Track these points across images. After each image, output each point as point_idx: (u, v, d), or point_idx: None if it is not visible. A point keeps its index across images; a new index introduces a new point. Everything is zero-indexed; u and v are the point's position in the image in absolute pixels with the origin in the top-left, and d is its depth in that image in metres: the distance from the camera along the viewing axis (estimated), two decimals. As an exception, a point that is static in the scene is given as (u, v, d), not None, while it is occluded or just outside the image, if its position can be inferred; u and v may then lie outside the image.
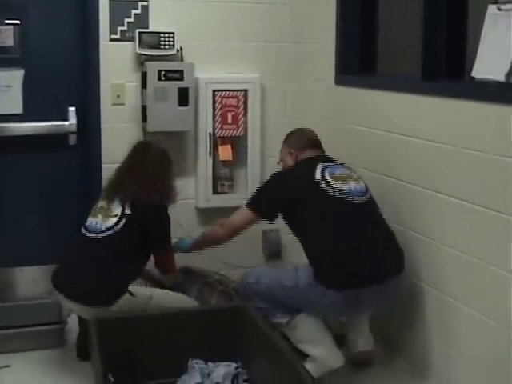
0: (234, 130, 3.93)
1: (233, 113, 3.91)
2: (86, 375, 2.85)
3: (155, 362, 2.80)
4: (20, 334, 3.30)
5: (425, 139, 3.07)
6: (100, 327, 2.70)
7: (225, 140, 3.94)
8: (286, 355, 2.54)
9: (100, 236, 3.05)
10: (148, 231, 3.08)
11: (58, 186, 3.82)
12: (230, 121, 3.91)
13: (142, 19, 3.73)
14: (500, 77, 2.56)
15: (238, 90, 3.91)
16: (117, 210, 3.09)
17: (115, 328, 2.80)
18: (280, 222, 3.21)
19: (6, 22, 3.61)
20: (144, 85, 3.72)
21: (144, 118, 3.75)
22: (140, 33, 3.67)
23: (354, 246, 2.92)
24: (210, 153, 3.90)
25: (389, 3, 3.76)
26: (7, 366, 3.17)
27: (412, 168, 3.19)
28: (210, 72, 3.86)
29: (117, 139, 3.66)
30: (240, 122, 3.94)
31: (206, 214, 3.93)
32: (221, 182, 3.98)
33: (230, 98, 3.90)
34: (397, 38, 3.79)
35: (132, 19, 3.71)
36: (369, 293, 2.89)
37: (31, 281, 3.67)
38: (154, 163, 3.19)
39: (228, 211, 3.39)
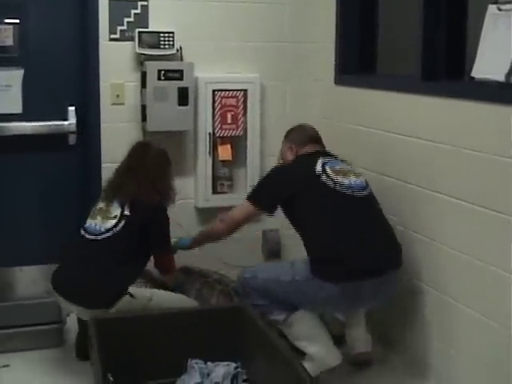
0: (233, 129, 3.93)
1: (232, 113, 3.91)
2: (86, 375, 2.85)
3: (155, 362, 2.80)
4: (19, 334, 3.29)
5: (425, 139, 3.07)
6: (99, 327, 2.70)
7: (224, 140, 3.94)
8: (285, 355, 2.54)
9: (99, 238, 3.05)
10: (148, 232, 3.08)
11: (57, 186, 3.83)
12: (229, 121, 3.91)
13: (142, 19, 3.73)
14: (500, 77, 2.55)
15: (237, 90, 3.91)
16: (116, 211, 3.08)
17: (115, 328, 2.80)
18: (280, 222, 3.21)
19: (6, 21, 3.60)
20: (144, 84, 3.72)
21: (144, 118, 3.75)
22: (140, 32, 3.68)
23: (353, 239, 2.93)
24: (209, 152, 3.90)
25: (389, 3, 3.76)
26: (6, 366, 3.16)
27: (412, 168, 3.19)
28: (209, 72, 3.86)
29: (116, 139, 3.66)
30: (239, 122, 3.94)
31: (206, 214, 3.93)
32: (220, 181, 3.98)
33: (229, 97, 3.90)
34: (397, 38, 3.79)
35: (132, 19, 3.71)
36: (368, 285, 2.89)
37: (30, 280, 3.66)
38: (153, 164, 3.19)
39: (228, 211, 3.38)
